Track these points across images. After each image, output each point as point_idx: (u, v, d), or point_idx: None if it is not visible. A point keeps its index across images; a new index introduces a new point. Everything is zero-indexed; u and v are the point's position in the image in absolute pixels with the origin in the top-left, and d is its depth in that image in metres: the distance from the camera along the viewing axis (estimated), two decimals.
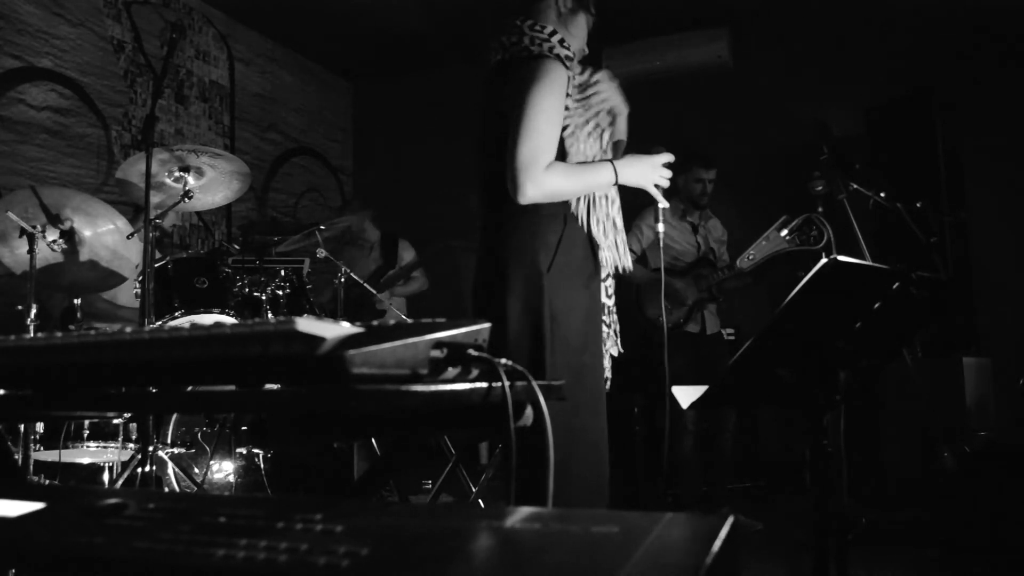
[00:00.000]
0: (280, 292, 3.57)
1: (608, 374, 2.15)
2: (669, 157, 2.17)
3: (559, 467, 1.86)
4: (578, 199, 2.08)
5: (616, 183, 2.08)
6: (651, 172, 2.13)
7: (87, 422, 3.01)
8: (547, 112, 1.99)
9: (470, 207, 2.32)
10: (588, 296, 2.07)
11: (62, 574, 0.69)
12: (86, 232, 3.07)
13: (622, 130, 2.22)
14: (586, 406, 2.00)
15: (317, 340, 0.74)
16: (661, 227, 2.28)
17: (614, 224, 2.15)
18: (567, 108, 2.05)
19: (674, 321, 4.00)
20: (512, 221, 2.06)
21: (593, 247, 2.11)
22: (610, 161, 2.08)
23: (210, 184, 3.22)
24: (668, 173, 2.16)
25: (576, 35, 2.21)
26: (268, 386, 0.83)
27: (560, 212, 2.06)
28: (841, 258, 1.40)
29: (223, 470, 3.39)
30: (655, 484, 4.39)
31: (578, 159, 2.06)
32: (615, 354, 2.19)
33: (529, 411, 0.97)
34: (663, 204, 2.19)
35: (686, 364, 3.78)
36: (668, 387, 1.82)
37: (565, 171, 2.01)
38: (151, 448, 2.71)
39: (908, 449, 3.88)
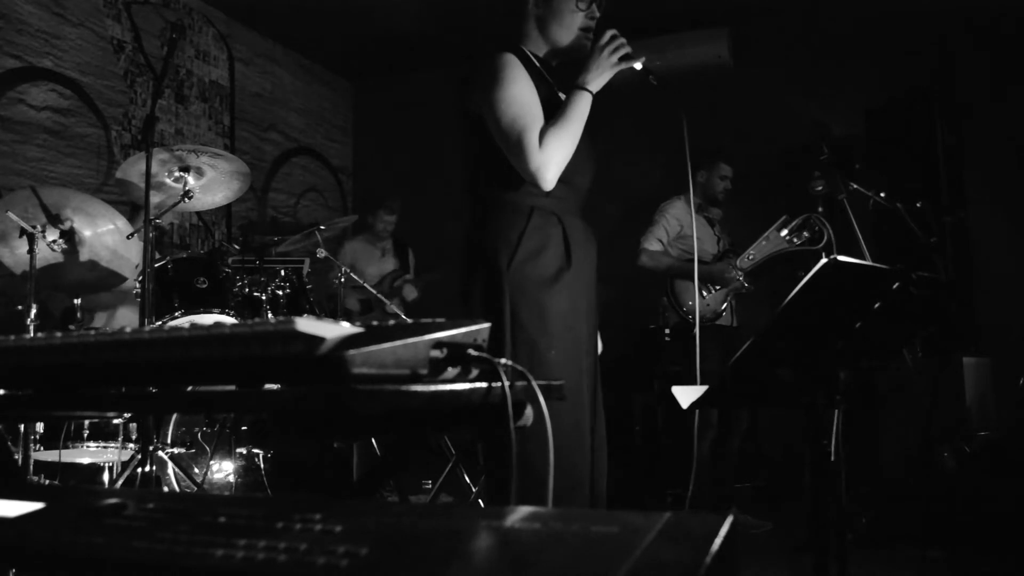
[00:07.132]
0: (280, 292, 3.58)
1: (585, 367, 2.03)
2: (609, 33, 2.05)
3: (522, 462, 1.83)
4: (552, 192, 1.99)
5: (594, 94, 2.00)
6: (608, 58, 2.01)
7: (87, 422, 3.01)
8: (513, 98, 1.94)
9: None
10: (554, 293, 1.95)
11: (62, 574, 0.69)
12: (86, 232, 3.07)
13: None
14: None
15: (317, 340, 0.73)
16: (643, 75, 2.10)
17: None
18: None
19: (715, 311, 3.91)
20: (476, 217, 2.02)
21: (568, 241, 2.00)
22: (576, 86, 1.99)
23: (210, 184, 3.22)
24: (617, 43, 2.03)
25: (561, 30, 2.12)
26: (268, 386, 0.83)
27: (525, 205, 1.98)
28: (841, 258, 1.40)
29: (223, 470, 3.39)
30: (655, 483, 4.38)
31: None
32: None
33: (529, 411, 0.97)
34: (638, 64, 2.04)
35: (723, 358, 3.72)
36: (663, 384, 1.82)
37: (555, 133, 1.94)
38: (151, 448, 2.71)
39: (908, 449, 3.87)
